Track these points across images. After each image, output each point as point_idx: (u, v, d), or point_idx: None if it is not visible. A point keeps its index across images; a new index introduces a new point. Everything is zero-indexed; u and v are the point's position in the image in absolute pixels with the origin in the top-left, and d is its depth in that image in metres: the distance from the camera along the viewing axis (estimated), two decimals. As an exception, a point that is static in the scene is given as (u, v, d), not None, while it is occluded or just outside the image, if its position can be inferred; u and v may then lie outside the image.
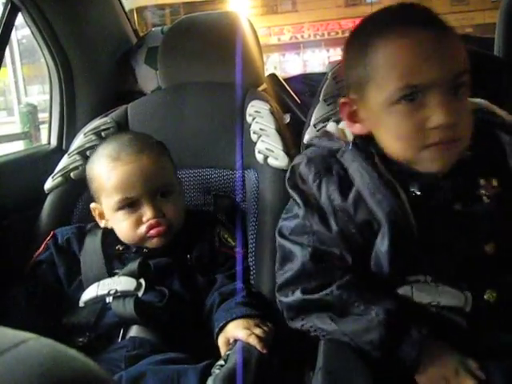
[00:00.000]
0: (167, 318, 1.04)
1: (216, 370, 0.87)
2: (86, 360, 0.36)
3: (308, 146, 1.04)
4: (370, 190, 0.84)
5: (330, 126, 1.04)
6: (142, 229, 1.12)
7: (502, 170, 0.87)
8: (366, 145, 0.90)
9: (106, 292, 1.08)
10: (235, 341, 0.96)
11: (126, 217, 1.13)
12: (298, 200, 0.94)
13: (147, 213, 1.12)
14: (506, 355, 0.78)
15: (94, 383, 0.35)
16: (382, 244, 0.84)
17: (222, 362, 0.90)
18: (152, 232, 1.12)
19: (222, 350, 0.97)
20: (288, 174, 0.98)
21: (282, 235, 0.97)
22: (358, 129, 0.92)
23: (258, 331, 0.96)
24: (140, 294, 1.07)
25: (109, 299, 1.07)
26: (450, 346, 0.80)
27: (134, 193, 1.12)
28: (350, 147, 0.91)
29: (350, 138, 0.95)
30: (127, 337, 1.03)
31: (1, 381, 0.31)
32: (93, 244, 1.18)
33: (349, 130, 0.95)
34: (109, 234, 1.19)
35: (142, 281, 1.09)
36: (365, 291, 0.86)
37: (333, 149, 0.94)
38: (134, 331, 1.03)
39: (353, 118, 0.92)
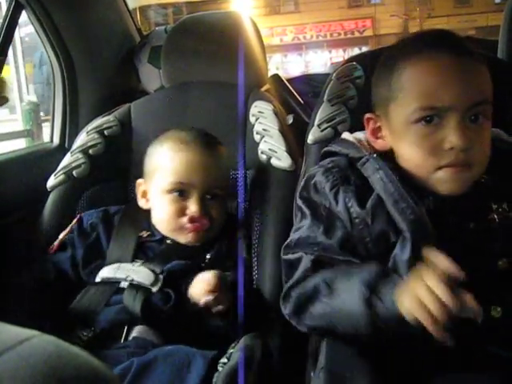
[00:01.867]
0: (170, 323, 1.04)
1: (219, 368, 0.88)
2: (89, 357, 0.36)
3: (326, 153, 1.04)
4: (394, 198, 0.85)
5: (346, 135, 1.05)
6: (184, 219, 1.13)
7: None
8: (385, 158, 0.93)
9: (123, 276, 1.08)
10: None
11: (172, 202, 1.14)
12: (306, 210, 0.94)
13: (192, 206, 1.13)
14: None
15: (97, 381, 0.35)
16: (402, 253, 0.84)
17: (224, 359, 0.90)
18: (191, 226, 1.13)
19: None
20: (302, 184, 0.99)
21: (286, 251, 0.96)
22: (380, 145, 0.96)
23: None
24: (154, 289, 1.06)
25: (124, 284, 1.08)
26: None
27: (188, 180, 1.14)
28: (375, 155, 0.92)
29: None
30: (130, 337, 1.03)
31: (5, 378, 0.31)
32: (125, 226, 1.19)
33: (372, 144, 0.97)
34: (138, 219, 1.21)
35: (161, 277, 1.08)
36: (349, 264, 0.86)
37: (354, 157, 0.95)
38: (136, 332, 1.03)
39: (376, 133, 0.97)
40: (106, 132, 1.45)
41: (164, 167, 1.17)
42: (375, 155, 0.92)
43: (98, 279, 1.11)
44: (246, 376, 0.84)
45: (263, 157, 1.32)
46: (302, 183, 0.99)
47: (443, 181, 0.86)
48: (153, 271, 1.09)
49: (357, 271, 0.82)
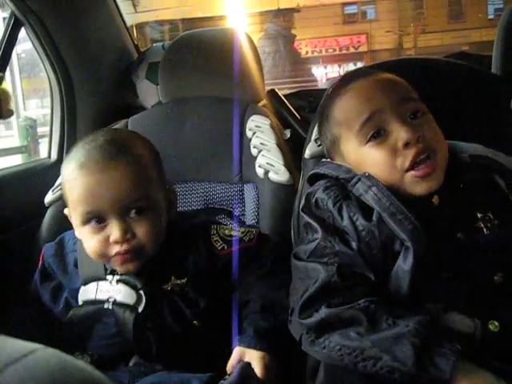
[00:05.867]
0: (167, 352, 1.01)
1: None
2: (93, 371, 0.36)
3: (313, 176, 1.04)
4: (391, 211, 0.86)
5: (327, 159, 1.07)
6: (108, 252, 0.98)
7: (497, 205, 0.91)
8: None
9: (105, 298, 1.02)
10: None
11: (92, 234, 0.98)
12: (315, 224, 0.93)
13: (114, 232, 0.96)
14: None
15: (101, 394, 0.35)
16: (404, 263, 0.84)
17: (227, 376, 0.89)
18: (117, 259, 0.98)
19: (230, 363, 0.95)
20: (303, 202, 0.98)
21: (299, 258, 0.93)
22: None
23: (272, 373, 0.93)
24: (140, 308, 1.00)
25: (107, 305, 1.02)
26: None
27: (99, 207, 0.95)
28: (367, 174, 0.92)
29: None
30: (131, 363, 1.01)
31: (11, 391, 0.31)
32: None
33: None
34: None
35: (143, 294, 1.01)
36: (393, 308, 0.81)
37: (345, 178, 0.95)
38: (136, 359, 1.01)
39: None
40: (104, 147, 1.45)
41: (69, 197, 1.00)
42: (367, 174, 0.92)
43: (80, 302, 1.05)
44: None
45: (261, 171, 1.33)
46: (302, 201, 0.99)
47: (414, 182, 0.88)
48: (134, 287, 1.02)
49: (403, 317, 0.79)
